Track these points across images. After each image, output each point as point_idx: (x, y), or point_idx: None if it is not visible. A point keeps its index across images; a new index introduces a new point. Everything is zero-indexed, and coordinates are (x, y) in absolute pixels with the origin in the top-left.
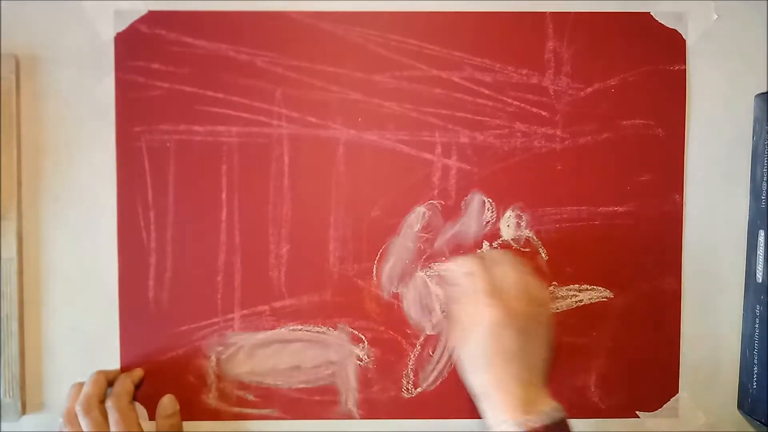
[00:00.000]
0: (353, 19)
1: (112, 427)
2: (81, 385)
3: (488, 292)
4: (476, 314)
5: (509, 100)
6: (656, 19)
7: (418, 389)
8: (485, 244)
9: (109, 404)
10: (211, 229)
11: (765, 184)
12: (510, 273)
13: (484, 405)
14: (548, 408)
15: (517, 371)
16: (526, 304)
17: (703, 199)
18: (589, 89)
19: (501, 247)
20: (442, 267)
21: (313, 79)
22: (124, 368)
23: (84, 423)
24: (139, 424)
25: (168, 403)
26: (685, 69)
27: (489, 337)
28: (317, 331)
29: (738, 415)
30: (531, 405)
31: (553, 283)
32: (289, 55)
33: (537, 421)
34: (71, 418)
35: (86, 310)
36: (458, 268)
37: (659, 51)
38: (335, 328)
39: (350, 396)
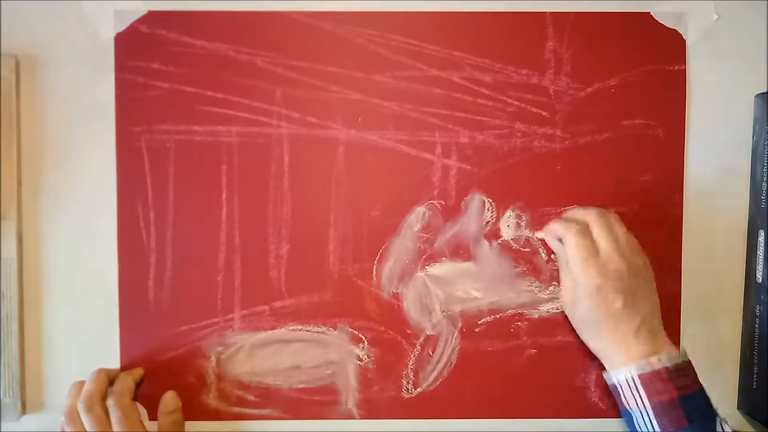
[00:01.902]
0: (353, 19)
1: (115, 425)
2: (82, 383)
3: (584, 259)
4: (579, 282)
5: (509, 100)
6: (656, 19)
7: (418, 389)
8: (485, 244)
9: (110, 402)
10: (211, 229)
11: (765, 184)
12: (602, 233)
13: (602, 353)
14: (666, 353)
15: (627, 328)
16: (623, 262)
17: (703, 199)
18: (589, 89)
19: (501, 247)
20: (536, 235)
21: (313, 79)
22: (124, 368)
23: (86, 421)
24: (141, 422)
25: (170, 399)
26: (685, 69)
27: (594, 304)
28: (317, 331)
29: (738, 415)
30: (648, 355)
31: (553, 283)
32: (289, 55)
33: (659, 364)
34: (73, 416)
35: (86, 310)
36: (550, 238)
37: (659, 51)
38: (335, 328)
39: (350, 396)
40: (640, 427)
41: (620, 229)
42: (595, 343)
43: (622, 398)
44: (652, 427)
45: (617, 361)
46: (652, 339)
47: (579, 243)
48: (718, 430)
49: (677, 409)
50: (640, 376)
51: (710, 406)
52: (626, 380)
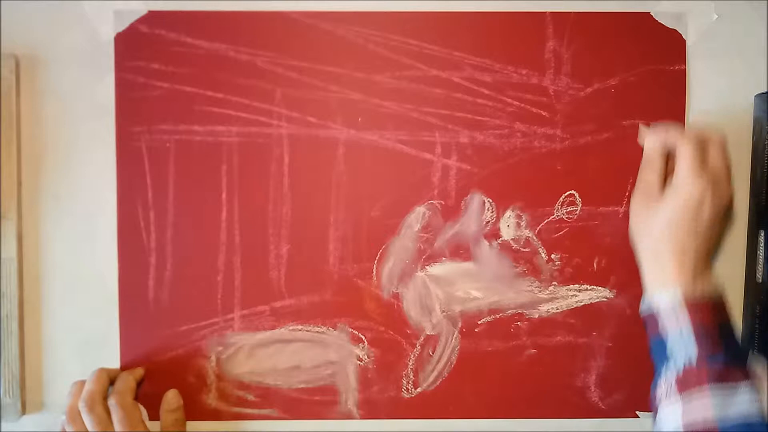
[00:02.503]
0: (353, 19)
1: (116, 424)
2: (82, 382)
3: (699, 166)
4: (685, 181)
5: (509, 100)
6: (656, 19)
7: (418, 389)
8: (485, 244)
9: (112, 401)
10: (211, 229)
11: (765, 184)
12: (720, 155)
13: (654, 269)
14: (713, 285)
15: (698, 246)
16: (729, 189)
17: None
18: (589, 89)
19: (501, 247)
20: (641, 137)
21: (313, 79)
22: (124, 368)
23: (88, 420)
24: (143, 422)
25: (172, 397)
26: (685, 69)
27: (690, 206)
28: (317, 331)
29: None
30: (701, 277)
31: (553, 283)
32: (289, 55)
33: (704, 294)
34: (74, 415)
35: (86, 310)
36: (652, 140)
37: (659, 51)
38: (335, 328)
39: (350, 396)
40: (673, 353)
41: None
42: (651, 251)
43: (661, 321)
44: (691, 350)
45: (663, 278)
46: (706, 267)
47: (695, 151)
48: (750, 360)
49: (716, 335)
50: (685, 298)
51: (739, 339)
52: (671, 302)
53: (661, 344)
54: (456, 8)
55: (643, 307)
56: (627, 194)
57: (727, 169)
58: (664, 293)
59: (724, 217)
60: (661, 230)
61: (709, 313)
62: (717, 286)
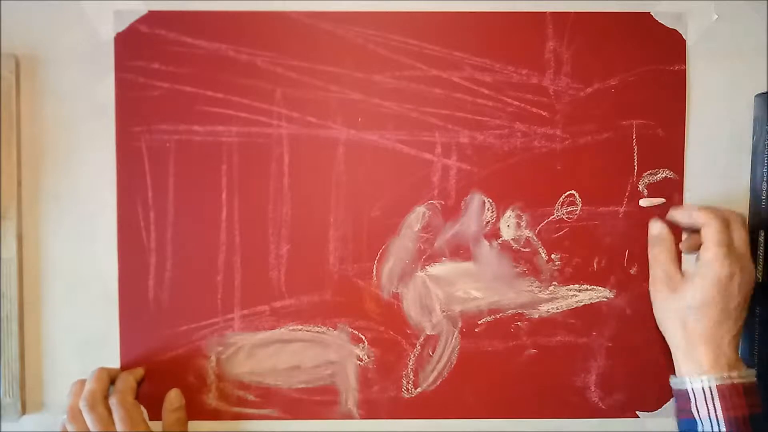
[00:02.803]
0: (353, 19)
1: (117, 423)
2: (83, 382)
3: (727, 247)
4: (712, 266)
5: (509, 100)
6: (656, 19)
7: (418, 389)
8: (485, 244)
9: (113, 401)
10: (211, 229)
11: (765, 184)
12: (743, 236)
13: (686, 352)
14: (744, 369)
15: (728, 330)
16: (754, 269)
17: (703, 199)
18: (589, 89)
19: (501, 247)
20: (672, 213)
21: (313, 79)
22: (124, 368)
23: (89, 419)
24: (144, 421)
25: (174, 396)
26: (685, 69)
27: (717, 291)
28: (317, 331)
29: None
30: (734, 363)
31: (553, 283)
32: (289, 55)
33: (738, 379)
34: (75, 414)
35: (86, 310)
36: (684, 218)
37: (659, 51)
38: (335, 328)
39: (350, 396)
40: None
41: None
42: (682, 336)
43: (693, 405)
44: None
45: (696, 364)
46: (734, 350)
47: (723, 231)
48: None
49: (747, 426)
50: (718, 387)
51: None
52: (702, 389)
53: (692, 423)
54: (456, 8)
55: (675, 381)
56: (627, 194)
57: (748, 249)
58: (697, 379)
59: (751, 297)
60: (692, 313)
61: (741, 403)
62: (748, 370)
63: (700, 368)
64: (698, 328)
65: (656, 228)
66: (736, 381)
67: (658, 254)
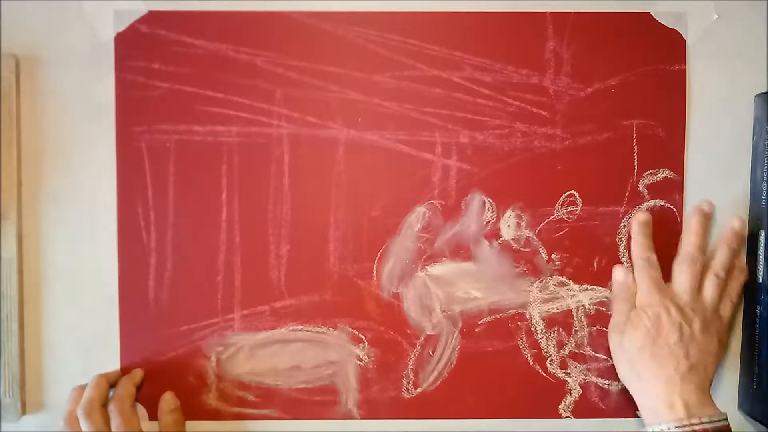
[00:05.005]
0: (353, 19)
1: (114, 430)
2: (82, 388)
3: (655, 284)
4: (641, 302)
5: (509, 100)
6: (656, 19)
7: (418, 389)
8: (485, 244)
9: (111, 408)
10: (211, 229)
11: (765, 184)
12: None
13: (645, 396)
14: (710, 413)
15: (675, 369)
16: (694, 303)
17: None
18: (589, 89)
19: (501, 247)
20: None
21: (313, 79)
22: (124, 368)
23: (85, 426)
24: (140, 429)
25: (170, 398)
26: (685, 69)
27: (647, 328)
28: (317, 331)
29: (738, 415)
30: (696, 409)
31: (553, 283)
32: (289, 55)
33: (697, 427)
34: (72, 421)
35: (86, 310)
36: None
37: (659, 51)
38: (335, 328)
39: (350, 396)
40: None
41: (711, 282)
42: (638, 381)
43: None
44: None
45: (656, 410)
46: (697, 392)
47: (651, 269)
48: None
49: None
50: None
51: None
52: None
53: None
54: (456, 8)
55: (638, 423)
56: (627, 194)
57: (695, 288)
58: (658, 425)
59: (708, 334)
60: (635, 350)
61: None
62: (716, 413)
63: (657, 410)
64: (646, 371)
65: (620, 275)
66: (698, 428)
67: (620, 304)
